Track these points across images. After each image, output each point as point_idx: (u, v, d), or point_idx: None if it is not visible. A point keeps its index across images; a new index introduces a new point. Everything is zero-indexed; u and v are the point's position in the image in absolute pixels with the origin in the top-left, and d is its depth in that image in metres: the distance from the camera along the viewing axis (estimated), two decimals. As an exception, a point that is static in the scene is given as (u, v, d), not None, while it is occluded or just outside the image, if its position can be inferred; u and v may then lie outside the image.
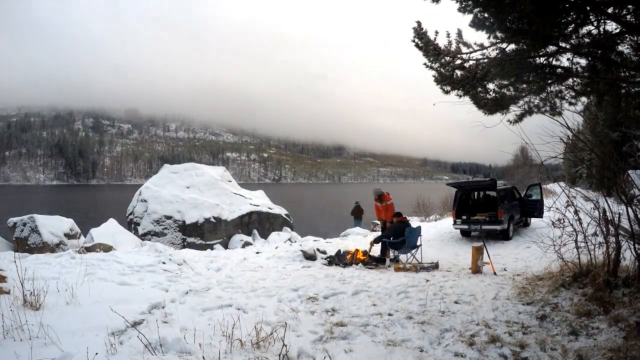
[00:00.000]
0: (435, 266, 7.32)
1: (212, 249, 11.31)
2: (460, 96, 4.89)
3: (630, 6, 4.04)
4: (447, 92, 4.91)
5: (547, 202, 10.16)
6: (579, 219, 4.70)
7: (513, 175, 28.80)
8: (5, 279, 4.44)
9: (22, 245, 8.59)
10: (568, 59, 4.64)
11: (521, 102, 5.21)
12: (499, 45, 4.60)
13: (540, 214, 11.58)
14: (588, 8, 4.09)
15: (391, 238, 8.14)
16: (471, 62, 4.84)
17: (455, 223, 11.33)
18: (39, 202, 46.47)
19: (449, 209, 18.34)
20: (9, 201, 47.72)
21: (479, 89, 4.87)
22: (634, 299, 3.75)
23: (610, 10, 4.09)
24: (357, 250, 8.18)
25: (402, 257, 8.17)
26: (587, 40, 4.31)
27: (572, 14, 4.09)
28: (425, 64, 4.91)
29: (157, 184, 13.88)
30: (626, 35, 4.29)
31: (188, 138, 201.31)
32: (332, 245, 10.04)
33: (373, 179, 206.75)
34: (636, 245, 4.06)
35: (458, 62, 4.84)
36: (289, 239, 13.07)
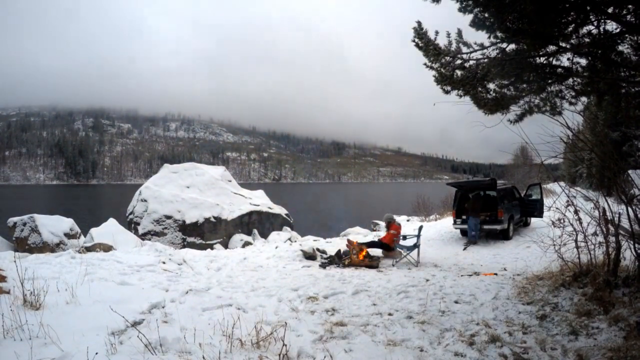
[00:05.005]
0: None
1: (212, 248, 11.30)
2: (461, 96, 4.89)
3: (630, 6, 4.03)
4: (447, 92, 4.91)
5: (547, 201, 10.16)
6: (579, 219, 4.70)
7: (513, 175, 28.80)
8: (5, 279, 4.44)
9: (22, 245, 8.58)
10: (568, 59, 4.64)
11: (521, 102, 5.20)
12: (499, 45, 4.60)
13: (540, 214, 11.59)
14: (588, 8, 4.09)
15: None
16: (471, 62, 4.84)
17: (455, 223, 11.34)
18: (39, 202, 46.44)
19: (449, 208, 18.34)
20: (9, 201, 47.69)
21: (480, 88, 4.87)
22: (634, 298, 3.75)
23: (610, 10, 4.08)
24: (350, 254, 8.09)
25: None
26: (587, 40, 4.30)
27: (572, 13, 4.09)
28: (425, 64, 4.91)
29: (157, 183, 13.86)
30: (626, 35, 4.28)
31: (188, 138, 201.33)
32: (332, 245, 10.04)
33: (373, 178, 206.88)
34: (636, 245, 4.05)
35: (458, 62, 4.84)
36: (289, 239, 13.06)
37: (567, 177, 26.82)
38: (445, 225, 13.80)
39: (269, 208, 14.74)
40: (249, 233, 13.43)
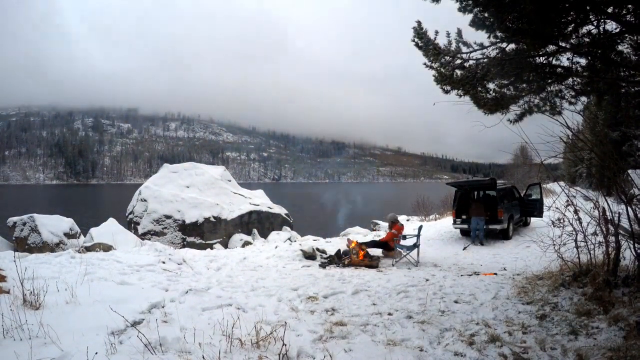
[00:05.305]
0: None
1: (212, 248, 11.30)
2: (461, 96, 4.89)
3: (630, 6, 4.03)
4: (447, 92, 4.91)
5: (547, 201, 10.17)
6: (579, 219, 4.70)
7: (513, 175, 28.81)
8: (5, 279, 4.44)
9: (22, 245, 8.57)
10: (568, 59, 4.64)
11: (521, 102, 5.21)
12: (499, 45, 4.60)
13: (540, 214, 11.59)
14: (588, 8, 4.10)
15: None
16: (471, 62, 4.84)
17: (455, 223, 11.34)
18: (39, 202, 46.43)
19: (449, 208, 18.34)
20: (9, 201, 47.67)
21: (480, 88, 4.86)
22: (634, 298, 3.75)
23: (610, 10, 4.09)
24: (350, 254, 8.08)
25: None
26: (587, 40, 4.31)
27: (572, 13, 4.09)
28: (425, 64, 4.91)
29: (157, 183, 13.85)
30: (626, 35, 4.29)
31: (188, 138, 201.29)
32: (332, 245, 10.04)
33: (373, 178, 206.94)
34: (636, 245, 4.06)
35: (458, 62, 4.84)
36: (289, 239, 13.06)
37: (567, 177, 26.83)
38: (445, 225, 13.80)
39: (269, 208, 14.73)
40: (249, 233, 13.43)
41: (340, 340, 3.51)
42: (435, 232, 12.64)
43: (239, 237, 12.76)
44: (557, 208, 4.89)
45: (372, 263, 7.69)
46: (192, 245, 11.64)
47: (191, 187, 13.81)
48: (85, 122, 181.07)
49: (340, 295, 5.16)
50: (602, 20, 4.18)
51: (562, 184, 8.49)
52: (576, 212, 4.72)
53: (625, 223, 4.32)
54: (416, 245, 8.14)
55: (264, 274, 6.63)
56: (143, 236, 11.83)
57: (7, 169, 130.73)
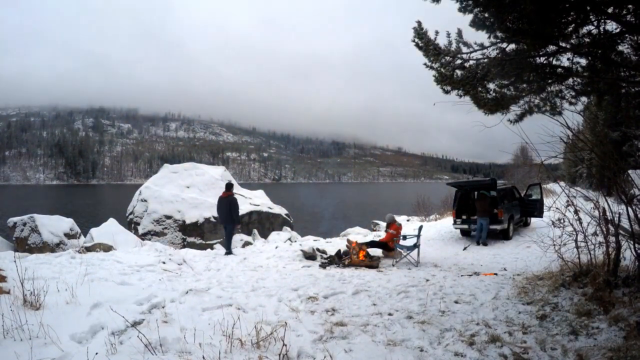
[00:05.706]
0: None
1: (212, 248, 11.30)
2: (461, 96, 4.89)
3: (630, 6, 4.04)
4: (447, 92, 4.91)
5: (547, 201, 10.16)
6: (579, 219, 4.69)
7: (513, 175, 28.81)
8: (6, 279, 4.44)
9: (22, 245, 8.57)
10: (568, 59, 4.64)
11: (521, 102, 5.22)
12: (499, 45, 4.61)
13: (540, 214, 11.59)
14: (588, 8, 4.10)
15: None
16: (471, 62, 4.84)
17: (455, 223, 11.34)
18: (39, 202, 46.43)
19: (449, 208, 18.34)
20: (9, 201, 47.67)
21: (480, 88, 4.87)
22: (634, 298, 3.74)
23: (610, 10, 4.09)
24: (350, 254, 8.09)
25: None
26: (587, 40, 4.31)
27: (572, 13, 4.10)
28: (425, 64, 4.91)
29: (157, 183, 13.85)
30: (626, 35, 4.29)
31: (188, 138, 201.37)
32: (332, 245, 10.05)
33: (373, 178, 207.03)
34: (636, 245, 4.05)
35: (458, 62, 4.84)
36: (289, 239, 13.06)
37: (567, 177, 26.83)
38: (445, 225, 13.79)
39: (269, 208, 14.74)
40: (249, 233, 13.42)
41: (340, 340, 3.51)
42: (435, 232, 12.64)
43: (238, 237, 12.74)
44: (557, 208, 4.88)
45: (372, 263, 7.69)
46: (192, 245, 11.64)
47: (191, 187, 13.81)
48: (85, 122, 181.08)
49: (340, 295, 5.16)
50: (602, 20, 4.19)
51: (562, 183, 8.49)
52: (576, 212, 4.71)
53: (625, 223, 4.31)
54: (416, 245, 8.14)
55: (264, 274, 6.62)
56: (143, 236, 11.83)
57: (7, 169, 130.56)
